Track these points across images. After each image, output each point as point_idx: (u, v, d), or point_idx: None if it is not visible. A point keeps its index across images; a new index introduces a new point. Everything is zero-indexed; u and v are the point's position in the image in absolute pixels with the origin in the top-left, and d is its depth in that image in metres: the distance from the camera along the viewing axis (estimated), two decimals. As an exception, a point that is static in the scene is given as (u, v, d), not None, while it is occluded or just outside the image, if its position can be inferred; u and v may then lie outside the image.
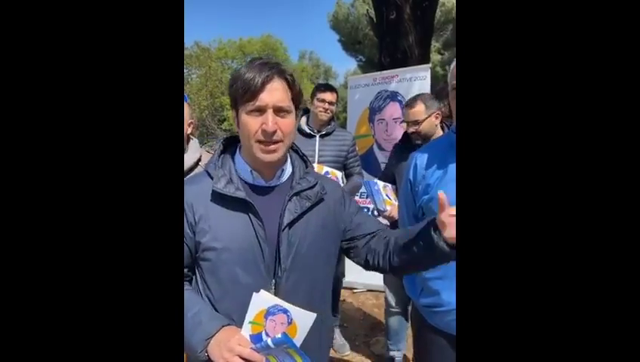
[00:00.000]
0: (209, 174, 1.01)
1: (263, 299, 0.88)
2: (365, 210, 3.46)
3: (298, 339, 0.88)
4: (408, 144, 2.23)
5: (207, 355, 0.87)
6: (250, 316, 0.88)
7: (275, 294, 0.95)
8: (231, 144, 1.08)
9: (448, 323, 1.16)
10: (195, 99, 17.47)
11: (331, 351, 2.65)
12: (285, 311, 0.87)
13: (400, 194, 1.48)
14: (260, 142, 0.95)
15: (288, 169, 1.06)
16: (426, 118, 2.12)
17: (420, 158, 1.29)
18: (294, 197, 1.00)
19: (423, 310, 1.30)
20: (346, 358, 2.66)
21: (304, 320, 0.88)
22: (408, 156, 2.20)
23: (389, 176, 2.36)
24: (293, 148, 1.12)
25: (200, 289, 1.00)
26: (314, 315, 0.89)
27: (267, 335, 0.87)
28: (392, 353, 2.46)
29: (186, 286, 1.01)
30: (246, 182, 1.01)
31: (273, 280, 0.96)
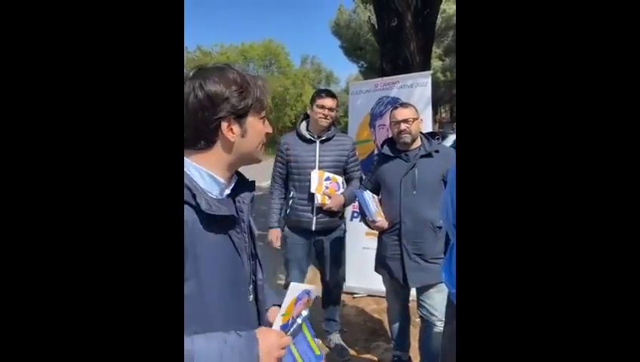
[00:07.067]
0: None
1: (296, 288, 0.98)
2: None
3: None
4: (392, 150, 2.31)
5: None
6: (282, 309, 0.96)
7: None
8: None
9: None
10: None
11: (332, 355, 2.65)
12: (308, 292, 1.01)
13: (446, 196, 1.46)
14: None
15: None
16: (416, 119, 2.25)
17: None
18: None
19: None
20: (346, 363, 2.66)
21: (312, 294, 1.04)
22: (392, 162, 2.26)
23: (373, 184, 2.38)
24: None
25: None
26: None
27: (293, 319, 0.99)
28: (397, 353, 2.48)
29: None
30: None
31: None
